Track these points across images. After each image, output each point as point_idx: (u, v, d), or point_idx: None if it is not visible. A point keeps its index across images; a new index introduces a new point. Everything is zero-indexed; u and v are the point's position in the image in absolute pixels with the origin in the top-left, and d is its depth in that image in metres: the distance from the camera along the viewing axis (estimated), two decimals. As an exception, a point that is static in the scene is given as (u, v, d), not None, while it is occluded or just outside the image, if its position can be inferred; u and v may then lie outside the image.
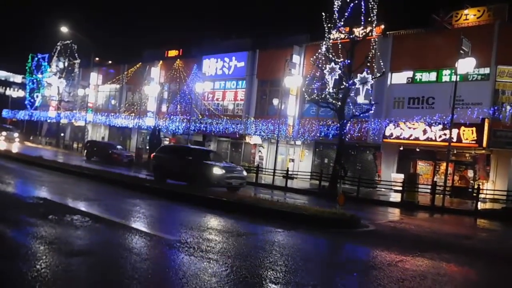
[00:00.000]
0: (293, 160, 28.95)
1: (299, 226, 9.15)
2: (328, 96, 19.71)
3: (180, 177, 15.71)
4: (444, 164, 23.45)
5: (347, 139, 22.36)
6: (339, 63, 19.44)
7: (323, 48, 19.94)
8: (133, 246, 5.97)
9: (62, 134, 46.63)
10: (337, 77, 19.92)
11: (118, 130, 42.30)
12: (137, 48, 40.82)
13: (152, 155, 18.25)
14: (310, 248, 7.48)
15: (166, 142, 36.95)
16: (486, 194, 20.85)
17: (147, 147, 29.48)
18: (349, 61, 19.28)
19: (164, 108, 37.61)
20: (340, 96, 19.84)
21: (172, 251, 5.85)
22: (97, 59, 43.59)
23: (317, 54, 20.92)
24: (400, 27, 24.06)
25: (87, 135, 42.78)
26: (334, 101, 20.03)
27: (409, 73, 23.57)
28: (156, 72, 37.26)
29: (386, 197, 19.73)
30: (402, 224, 12.18)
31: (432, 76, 22.68)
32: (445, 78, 22.15)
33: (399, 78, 24.01)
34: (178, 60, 35.64)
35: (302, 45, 27.58)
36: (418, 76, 23.34)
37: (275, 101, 28.19)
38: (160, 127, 29.25)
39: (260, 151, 31.02)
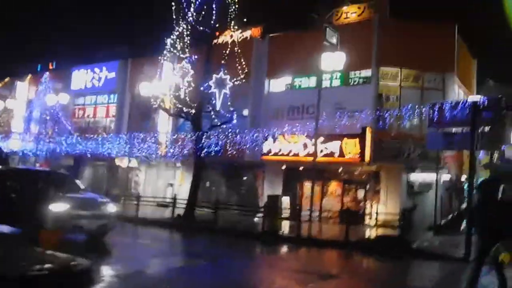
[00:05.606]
0: (172, 185, 24.65)
1: None
2: (175, 101, 15.86)
3: (4, 217, 9.71)
4: (334, 183, 20.45)
5: (229, 158, 19.16)
6: (187, 59, 15.74)
7: (168, 43, 16.18)
8: None
9: None
10: (191, 79, 16.20)
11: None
12: (8, 62, 35.14)
13: None
14: None
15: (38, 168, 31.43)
16: (377, 218, 17.78)
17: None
18: (196, 56, 15.62)
19: (34, 128, 32.01)
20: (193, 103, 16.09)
21: None
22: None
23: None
24: (279, 29, 20.99)
25: None
26: (188, 109, 16.20)
27: (288, 79, 20.39)
28: (23, 87, 31.81)
29: (251, 227, 15.84)
30: (173, 273, 8.01)
31: (313, 81, 19.54)
32: (327, 84, 19.09)
33: (278, 85, 20.77)
34: (47, 73, 30.50)
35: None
36: (297, 82, 20.19)
37: (148, 117, 24.10)
38: (6, 150, 23.92)
39: (137, 175, 26.50)
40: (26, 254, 6.68)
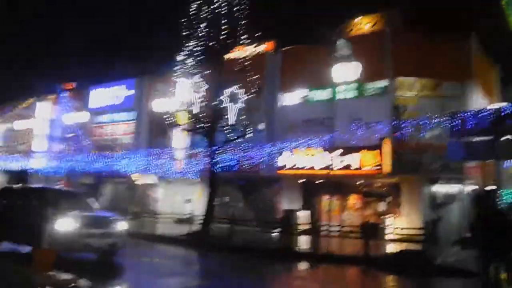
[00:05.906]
0: (189, 201, 24.54)
1: None
2: (189, 115, 15.85)
3: (19, 235, 9.90)
4: (353, 197, 19.93)
5: (245, 172, 19.18)
6: (200, 74, 15.75)
7: (181, 59, 16.23)
8: None
9: None
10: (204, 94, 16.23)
11: (17, 176, 36.56)
12: (30, 82, 36.16)
13: None
14: None
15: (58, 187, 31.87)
16: (398, 232, 17.12)
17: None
18: (209, 72, 15.62)
19: (56, 147, 32.58)
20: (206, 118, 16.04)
21: None
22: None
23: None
24: (292, 43, 20.90)
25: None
26: (202, 124, 16.15)
27: (303, 92, 20.14)
28: (45, 107, 32.45)
29: (267, 243, 15.44)
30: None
31: (327, 93, 19.21)
32: (342, 96, 18.76)
33: (292, 98, 20.54)
34: (67, 92, 31.19)
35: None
36: (312, 94, 19.91)
37: (166, 133, 24.18)
38: (27, 169, 24.36)
39: (156, 191, 26.52)
40: (23, 274, 6.53)
